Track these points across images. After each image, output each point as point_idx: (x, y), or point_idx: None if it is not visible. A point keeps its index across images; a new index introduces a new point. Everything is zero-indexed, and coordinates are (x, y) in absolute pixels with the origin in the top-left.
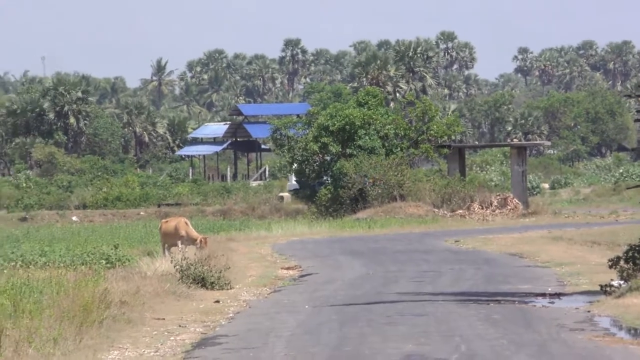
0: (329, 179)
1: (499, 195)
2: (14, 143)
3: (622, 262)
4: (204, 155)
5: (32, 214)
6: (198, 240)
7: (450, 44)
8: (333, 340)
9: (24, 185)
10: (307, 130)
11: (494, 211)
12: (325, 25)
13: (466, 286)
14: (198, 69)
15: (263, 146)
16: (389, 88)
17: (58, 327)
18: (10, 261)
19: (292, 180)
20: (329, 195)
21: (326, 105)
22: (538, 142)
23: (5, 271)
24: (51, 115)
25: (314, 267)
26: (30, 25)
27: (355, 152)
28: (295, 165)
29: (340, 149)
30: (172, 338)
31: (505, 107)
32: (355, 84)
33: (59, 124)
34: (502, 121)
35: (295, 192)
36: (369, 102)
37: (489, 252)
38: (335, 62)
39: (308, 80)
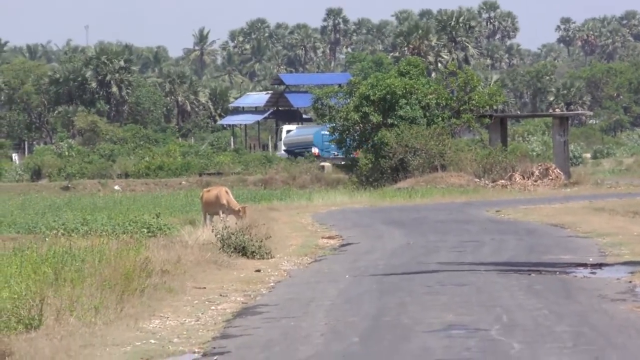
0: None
1: (540, 165)
2: (56, 112)
3: None
4: (245, 125)
5: (74, 183)
6: (237, 210)
7: (492, 14)
8: (373, 310)
9: (66, 153)
10: (348, 100)
11: (535, 181)
12: None
13: (507, 256)
14: (240, 38)
15: (304, 116)
16: (431, 58)
17: (99, 295)
18: (52, 229)
19: (282, 150)
20: (370, 165)
21: (367, 75)
22: (580, 112)
23: (47, 239)
24: (93, 84)
25: (355, 237)
26: None
27: (396, 122)
28: (336, 134)
29: (381, 119)
30: (213, 307)
31: (548, 77)
32: (397, 54)
33: (101, 92)
34: (544, 91)
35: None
36: (411, 72)
37: (530, 223)
38: (376, 31)
39: (349, 49)
